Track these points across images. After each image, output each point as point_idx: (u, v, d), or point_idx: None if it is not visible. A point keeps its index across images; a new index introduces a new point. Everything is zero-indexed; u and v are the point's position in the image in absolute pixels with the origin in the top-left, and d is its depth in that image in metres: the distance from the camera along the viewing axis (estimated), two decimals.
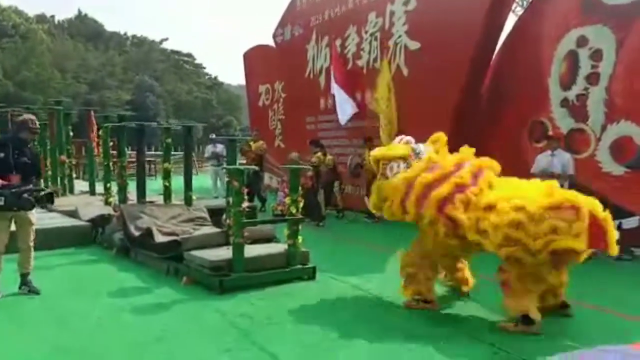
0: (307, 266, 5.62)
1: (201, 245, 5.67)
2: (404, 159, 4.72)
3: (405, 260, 4.80)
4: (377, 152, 5.04)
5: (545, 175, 6.58)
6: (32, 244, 4.97)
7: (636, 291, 5.25)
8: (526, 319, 4.00)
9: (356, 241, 7.86)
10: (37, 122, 5.16)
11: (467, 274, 5.01)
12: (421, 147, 4.89)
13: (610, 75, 6.91)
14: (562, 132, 7.30)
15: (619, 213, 6.70)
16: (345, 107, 10.63)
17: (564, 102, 7.48)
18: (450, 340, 3.84)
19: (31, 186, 4.82)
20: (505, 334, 3.96)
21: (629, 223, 6.64)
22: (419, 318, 4.33)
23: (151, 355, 3.57)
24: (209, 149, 12.83)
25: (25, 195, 4.67)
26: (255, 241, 5.68)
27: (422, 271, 4.66)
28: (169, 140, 7.83)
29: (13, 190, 4.61)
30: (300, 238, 5.57)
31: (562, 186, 6.27)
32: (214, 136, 13.55)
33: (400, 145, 4.89)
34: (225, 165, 11.94)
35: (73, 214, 8.11)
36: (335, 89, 10.79)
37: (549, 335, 3.95)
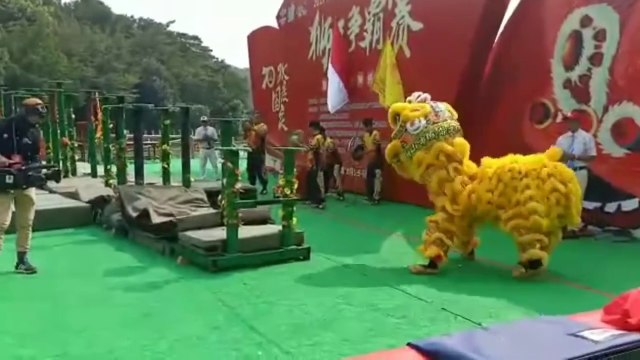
0: (301, 247, 5.63)
1: (197, 226, 5.70)
2: (426, 116, 5.04)
3: (432, 224, 5.13)
4: (397, 107, 5.33)
5: (566, 157, 6.50)
6: (30, 223, 5.06)
7: (622, 270, 5.21)
8: (535, 264, 4.70)
9: (354, 223, 7.86)
10: (44, 106, 5.25)
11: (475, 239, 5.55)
12: (440, 105, 5.22)
13: (613, 56, 6.77)
14: (581, 113, 6.98)
15: (618, 195, 6.66)
16: (336, 96, 10.60)
17: (567, 83, 7.36)
18: (435, 321, 3.83)
19: (37, 164, 4.95)
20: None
21: (629, 205, 6.57)
22: (410, 299, 4.33)
23: (138, 330, 3.61)
24: (200, 132, 12.82)
25: (33, 172, 4.78)
26: (250, 222, 5.68)
27: (447, 234, 5.04)
28: (167, 122, 7.83)
29: (23, 168, 4.73)
30: (294, 219, 5.57)
31: (582, 168, 6.33)
32: (205, 118, 13.50)
33: (422, 104, 5.16)
34: (216, 148, 12.03)
35: (73, 195, 8.18)
36: (331, 73, 10.71)
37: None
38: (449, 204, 5.04)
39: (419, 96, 5.31)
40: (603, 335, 1.15)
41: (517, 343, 1.12)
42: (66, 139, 10.48)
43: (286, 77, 14.21)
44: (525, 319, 1.28)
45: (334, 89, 10.66)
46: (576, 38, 7.20)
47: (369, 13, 10.46)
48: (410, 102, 5.36)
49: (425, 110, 5.09)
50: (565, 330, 1.19)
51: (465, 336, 1.16)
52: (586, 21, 7.08)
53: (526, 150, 7.66)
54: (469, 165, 5.23)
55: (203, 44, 61.23)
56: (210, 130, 12.80)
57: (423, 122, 5.03)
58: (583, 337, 1.14)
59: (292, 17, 13.47)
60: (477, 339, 1.13)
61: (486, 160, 5.20)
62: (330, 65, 10.85)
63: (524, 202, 4.69)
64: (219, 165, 12.68)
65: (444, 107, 5.25)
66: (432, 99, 5.37)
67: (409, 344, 1.17)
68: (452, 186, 5.03)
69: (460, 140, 5.17)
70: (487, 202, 4.92)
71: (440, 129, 5.05)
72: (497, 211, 4.91)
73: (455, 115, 5.35)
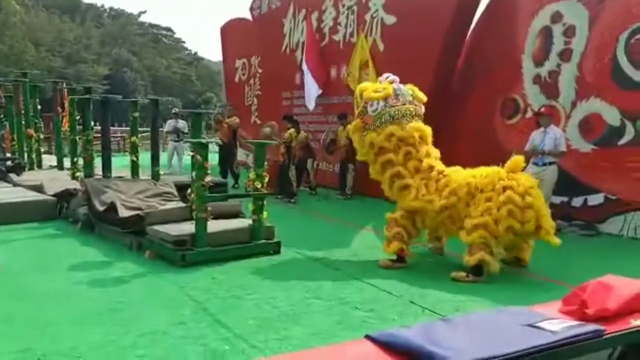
0: (271, 241, 5.58)
1: (165, 220, 5.59)
2: (385, 98, 5.06)
3: (391, 220, 5.17)
4: (362, 86, 5.39)
5: (536, 152, 6.58)
6: None
7: (587, 263, 5.32)
8: (477, 271, 4.62)
9: (326, 217, 7.84)
10: (2, 96, 5.05)
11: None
12: (402, 89, 5.22)
13: (582, 52, 6.90)
14: (552, 108, 7.05)
15: (585, 190, 6.81)
16: (311, 92, 10.61)
17: (537, 79, 7.47)
18: (404, 315, 3.84)
19: None
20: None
21: (594, 200, 6.72)
22: (379, 292, 4.33)
23: (103, 325, 3.51)
24: (170, 124, 12.58)
25: None
26: (220, 216, 5.60)
27: (406, 230, 5.07)
28: (136, 114, 7.66)
29: None
30: (265, 213, 5.52)
31: (552, 163, 6.40)
32: (176, 110, 13.25)
33: (384, 85, 5.20)
34: (186, 140, 11.84)
35: (39, 188, 7.95)
36: (305, 72, 10.68)
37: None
38: (403, 197, 5.06)
39: (387, 77, 5.33)
40: (560, 325, 1.14)
41: (475, 334, 1.11)
42: (31, 131, 10.13)
43: (259, 70, 14.08)
44: (485, 310, 1.28)
45: (308, 86, 10.64)
46: (546, 34, 7.32)
47: (343, 6, 10.41)
48: (380, 81, 5.39)
49: (387, 92, 5.10)
50: (523, 321, 1.18)
51: (424, 328, 1.15)
52: (556, 17, 7.19)
53: (496, 144, 7.86)
54: (431, 154, 5.18)
55: (176, 36, 60.43)
56: (182, 123, 12.58)
57: (381, 103, 5.05)
58: (540, 328, 1.13)
59: (266, 9, 13.33)
60: (435, 331, 1.12)
61: (449, 171, 5.13)
62: (304, 63, 10.79)
63: (474, 215, 4.66)
64: (184, 159, 12.52)
65: (406, 90, 5.24)
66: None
67: (366, 336, 1.14)
68: (402, 182, 5.03)
69: (416, 124, 5.12)
70: (435, 209, 4.90)
71: (397, 112, 5.04)
72: (447, 222, 4.96)
73: (423, 99, 5.34)
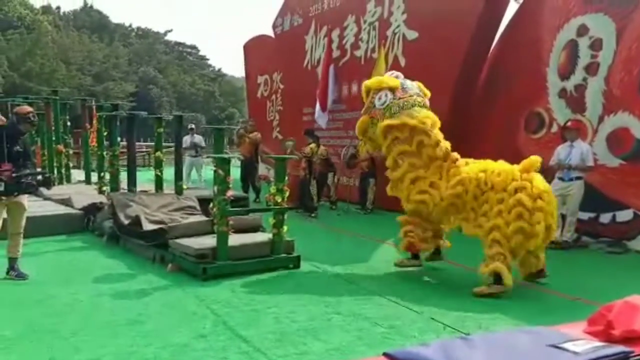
0: (291, 255, 5.58)
1: (187, 234, 5.64)
2: (392, 90, 5.14)
3: (401, 221, 5.41)
4: (367, 83, 5.50)
5: (563, 167, 6.47)
6: (22, 230, 5.04)
7: (614, 281, 5.15)
8: (496, 280, 4.53)
9: (346, 232, 7.81)
10: (35, 114, 5.26)
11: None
12: (408, 82, 5.32)
13: (609, 66, 6.79)
14: (579, 122, 6.94)
15: (613, 206, 6.64)
16: (317, 114, 11.03)
17: (562, 93, 7.37)
18: (425, 332, 3.77)
19: (28, 171, 4.96)
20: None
21: (623, 216, 6.54)
22: (399, 308, 4.28)
23: (125, 337, 3.55)
24: (187, 140, 12.71)
25: (24, 179, 4.81)
26: (241, 230, 5.63)
27: (419, 226, 5.22)
28: (161, 130, 7.79)
29: (14, 175, 4.74)
30: (285, 227, 5.52)
31: (578, 178, 6.37)
32: (192, 126, 13.40)
33: (391, 78, 5.32)
34: (205, 155, 11.94)
35: (67, 202, 8.13)
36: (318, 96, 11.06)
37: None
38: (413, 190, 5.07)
39: (392, 73, 5.48)
40: (584, 347, 1.11)
41: (496, 354, 1.08)
42: (61, 147, 10.43)
43: (281, 86, 14.22)
44: (507, 329, 1.24)
45: (319, 110, 11.07)
46: (572, 47, 7.22)
47: (364, 22, 10.49)
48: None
49: (394, 83, 5.19)
50: (546, 342, 1.14)
51: (443, 346, 1.12)
52: (583, 30, 7.09)
53: (520, 159, 7.70)
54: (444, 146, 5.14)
55: (200, 53, 61.50)
56: (198, 138, 12.74)
57: (390, 96, 5.14)
58: (564, 349, 1.10)
59: (288, 26, 13.51)
60: (455, 349, 1.09)
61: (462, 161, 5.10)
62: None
63: (488, 216, 4.62)
64: (204, 174, 12.65)
65: (413, 84, 5.34)
66: (429, 106, 5.40)
67: (384, 354, 1.12)
68: (413, 174, 5.08)
69: (426, 112, 5.19)
70: (441, 198, 4.87)
71: (406, 103, 5.12)
72: (451, 211, 4.94)
73: (427, 94, 5.40)
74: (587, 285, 4.97)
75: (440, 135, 5.18)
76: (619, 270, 5.70)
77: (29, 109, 5.24)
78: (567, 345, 1.12)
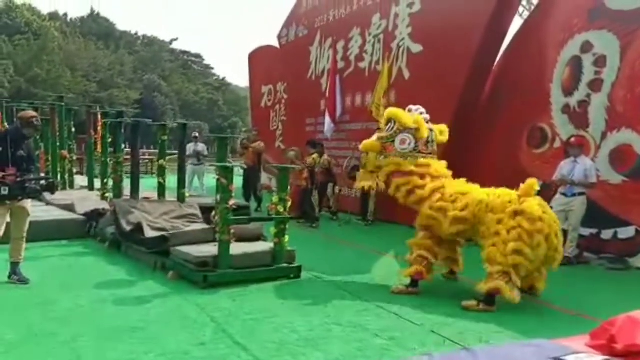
0: (292, 265, 5.58)
1: (189, 241, 5.65)
2: (417, 138, 5.00)
3: (413, 245, 5.19)
4: (397, 113, 5.14)
5: (565, 182, 6.47)
6: (25, 234, 5.05)
7: (616, 297, 5.14)
8: (489, 300, 4.53)
9: (347, 243, 7.80)
10: (40, 119, 5.30)
11: (460, 259, 5.47)
12: (433, 135, 5.17)
13: (613, 82, 6.81)
14: (583, 138, 6.91)
15: (615, 222, 6.63)
16: (326, 127, 11.17)
17: (565, 109, 7.39)
18: (425, 344, 3.76)
19: (32, 176, 5.00)
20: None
21: (625, 233, 6.53)
22: (399, 320, 4.27)
23: (125, 343, 3.55)
24: (190, 147, 12.73)
25: (28, 184, 4.83)
26: (242, 239, 5.63)
27: (430, 251, 5.07)
28: (165, 137, 7.82)
29: (18, 180, 4.76)
30: (286, 237, 5.52)
31: (581, 194, 6.38)
32: (196, 134, 13.44)
33: (423, 125, 5.05)
34: (209, 164, 11.95)
35: (69, 207, 8.15)
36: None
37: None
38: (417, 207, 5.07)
39: (419, 111, 5.21)
40: None
41: None
42: (65, 152, 10.47)
43: (285, 96, 14.30)
44: (509, 342, 1.24)
45: (325, 120, 11.20)
46: (576, 63, 7.26)
47: (369, 34, 10.57)
48: (410, 110, 5.25)
49: (422, 135, 5.03)
50: (548, 354, 1.15)
51: (446, 357, 1.13)
52: (587, 47, 7.13)
53: (522, 174, 7.71)
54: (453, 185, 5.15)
55: (205, 62, 61.82)
56: (201, 146, 12.79)
57: (412, 145, 5.02)
58: None
59: (293, 37, 13.61)
60: None
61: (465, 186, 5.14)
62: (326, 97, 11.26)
63: (488, 236, 4.65)
64: (206, 182, 12.67)
65: (435, 136, 5.21)
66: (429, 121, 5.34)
67: None
68: (417, 195, 5.04)
69: (435, 162, 5.19)
70: (451, 220, 4.86)
71: (422, 160, 5.06)
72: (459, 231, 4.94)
73: (444, 139, 5.31)
74: (588, 300, 4.95)
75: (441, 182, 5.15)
76: (620, 286, 5.69)
77: (33, 113, 5.28)
78: (569, 358, 1.12)
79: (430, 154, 5.15)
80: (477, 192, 4.92)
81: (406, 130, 5.03)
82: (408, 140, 5.01)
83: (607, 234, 6.72)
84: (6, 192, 4.71)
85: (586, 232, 6.74)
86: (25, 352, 3.36)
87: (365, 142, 5.33)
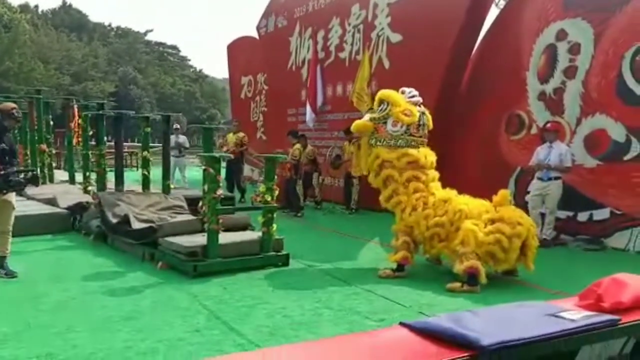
0: (280, 253, 5.66)
1: (177, 232, 5.68)
2: (409, 124, 5.06)
3: (397, 230, 5.27)
4: (389, 95, 5.19)
5: (542, 167, 6.68)
6: (10, 227, 5.03)
7: (592, 275, 5.32)
8: (472, 280, 4.66)
9: (332, 231, 7.91)
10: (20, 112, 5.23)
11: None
12: (424, 118, 5.24)
13: (587, 69, 7.02)
14: (558, 124, 7.12)
15: (590, 204, 6.88)
16: (308, 117, 11.21)
17: (541, 96, 7.59)
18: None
19: (15, 169, 4.95)
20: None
21: (600, 214, 6.78)
22: (388, 303, 4.39)
23: (119, 332, 3.59)
24: (172, 140, 12.64)
25: (12, 177, 4.78)
26: (230, 228, 5.68)
27: (411, 239, 5.18)
28: (148, 129, 7.78)
29: (2, 173, 4.71)
30: (274, 226, 5.60)
31: (557, 178, 6.56)
32: (177, 126, 13.35)
33: (413, 109, 5.12)
34: (195, 155, 11.89)
35: (52, 201, 8.07)
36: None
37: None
38: (398, 213, 5.23)
39: (411, 94, 5.25)
40: (579, 315, 1.23)
41: (501, 322, 1.19)
42: (44, 146, 10.32)
43: (265, 87, 14.29)
44: (506, 304, 1.34)
45: (307, 110, 11.25)
46: (551, 51, 7.45)
47: (349, 24, 10.63)
48: (403, 92, 5.29)
49: (414, 119, 5.10)
50: (544, 312, 1.26)
51: (454, 317, 1.23)
52: (561, 35, 7.33)
53: (501, 160, 7.95)
54: (435, 178, 5.32)
55: (181, 54, 61.14)
56: (182, 138, 12.72)
57: (404, 128, 5.09)
58: (561, 317, 1.22)
59: (272, 28, 13.58)
60: (464, 319, 1.20)
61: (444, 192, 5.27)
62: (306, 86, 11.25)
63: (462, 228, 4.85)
64: (187, 174, 12.62)
65: (427, 119, 5.30)
66: None
67: (400, 323, 1.23)
68: (397, 198, 5.18)
69: (426, 150, 5.28)
70: (427, 226, 5.06)
71: (413, 142, 5.16)
72: (435, 239, 5.10)
73: (429, 126, 5.40)
74: (567, 279, 5.15)
75: (434, 175, 5.30)
76: (597, 265, 5.90)
77: (13, 105, 5.21)
78: (563, 314, 1.24)
79: (421, 137, 5.23)
80: (456, 201, 5.09)
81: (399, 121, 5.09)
82: (400, 123, 5.07)
83: (582, 216, 6.97)
84: None
85: (563, 214, 6.98)
86: (21, 343, 3.38)
87: (357, 122, 5.35)
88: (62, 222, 7.36)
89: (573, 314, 1.23)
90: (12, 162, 4.96)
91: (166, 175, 7.76)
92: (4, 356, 3.18)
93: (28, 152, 10.16)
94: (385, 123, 5.12)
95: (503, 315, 1.27)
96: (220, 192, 5.40)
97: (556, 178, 6.68)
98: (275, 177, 5.90)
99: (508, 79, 8.05)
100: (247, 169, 13.18)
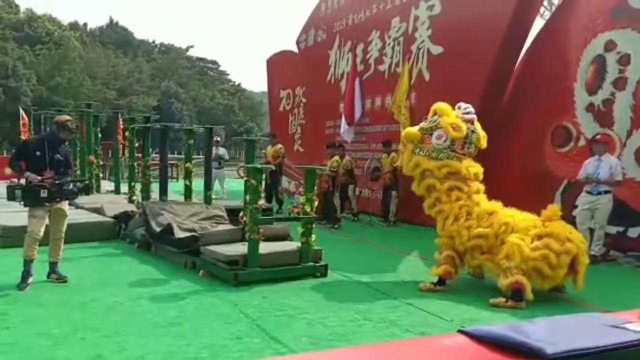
0: (319, 264, 5.66)
1: (218, 241, 5.77)
2: (454, 140, 5.03)
3: (442, 244, 5.22)
4: (444, 108, 5.22)
5: (591, 180, 6.48)
6: (63, 235, 5.23)
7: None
8: (516, 296, 4.55)
9: (370, 243, 7.87)
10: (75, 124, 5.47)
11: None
12: (473, 136, 5.21)
13: (637, 81, 6.79)
14: (608, 136, 6.88)
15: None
16: (343, 129, 11.20)
17: (590, 107, 7.37)
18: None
19: (69, 178, 5.19)
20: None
21: None
22: (429, 316, 4.32)
23: (165, 337, 3.67)
24: (212, 151, 12.86)
25: (66, 186, 5.01)
26: (270, 238, 5.73)
27: (455, 254, 5.10)
28: (191, 141, 7.99)
29: (56, 182, 4.94)
30: (313, 236, 5.62)
31: (607, 192, 6.41)
32: (217, 139, 13.60)
33: (462, 125, 5.09)
34: (241, 165, 12.06)
35: (98, 210, 8.35)
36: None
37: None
38: (440, 221, 5.15)
39: (467, 110, 5.25)
40: None
41: (562, 332, 1.16)
42: (92, 157, 10.74)
43: (304, 100, 14.43)
44: (564, 315, 1.30)
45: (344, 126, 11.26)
46: (600, 62, 7.24)
47: (389, 37, 10.65)
48: (459, 107, 5.30)
49: (460, 134, 5.07)
50: (606, 323, 1.22)
51: (513, 326, 1.21)
52: (610, 46, 7.12)
53: (546, 173, 7.73)
54: (480, 190, 5.23)
55: (221, 68, 62.61)
56: (222, 150, 12.96)
57: (448, 142, 5.07)
58: (624, 328, 1.17)
59: (312, 42, 13.75)
60: (524, 328, 1.17)
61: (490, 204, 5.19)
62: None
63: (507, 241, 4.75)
64: (226, 186, 12.81)
65: (476, 137, 5.24)
66: None
67: (459, 331, 1.21)
68: (439, 207, 5.13)
69: (469, 162, 5.22)
70: (468, 236, 4.97)
71: (454, 158, 5.12)
72: (474, 248, 5.00)
73: (483, 146, 5.35)
74: (618, 297, 4.95)
75: (479, 187, 5.24)
76: None
77: (68, 117, 5.47)
78: (626, 326, 1.19)
79: (464, 154, 5.18)
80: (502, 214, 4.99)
81: (445, 128, 5.08)
82: (444, 137, 5.06)
83: (633, 232, 6.68)
84: (45, 195, 4.87)
85: (613, 230, 6.71)
86: (71, 345, 3.49)
87: (408, 129, 5.48)
88: (108, 230, 7.60)
89: (637, 326, 1.19)
90: (67, 172, 5.18)
91: (208, 186, 7.92)
92: (56, 357, 3.30)
93: (77, 164, 10.56)
94: (431, 134, 5.13)
95: (563, 325, 1.23)
96: (261, 202, 5.47)
97: (606, 192, 6.45)
98: (315, 188, 5.93)
99: (554, 90, 7.85)
100: (284, 181, 13.29)
